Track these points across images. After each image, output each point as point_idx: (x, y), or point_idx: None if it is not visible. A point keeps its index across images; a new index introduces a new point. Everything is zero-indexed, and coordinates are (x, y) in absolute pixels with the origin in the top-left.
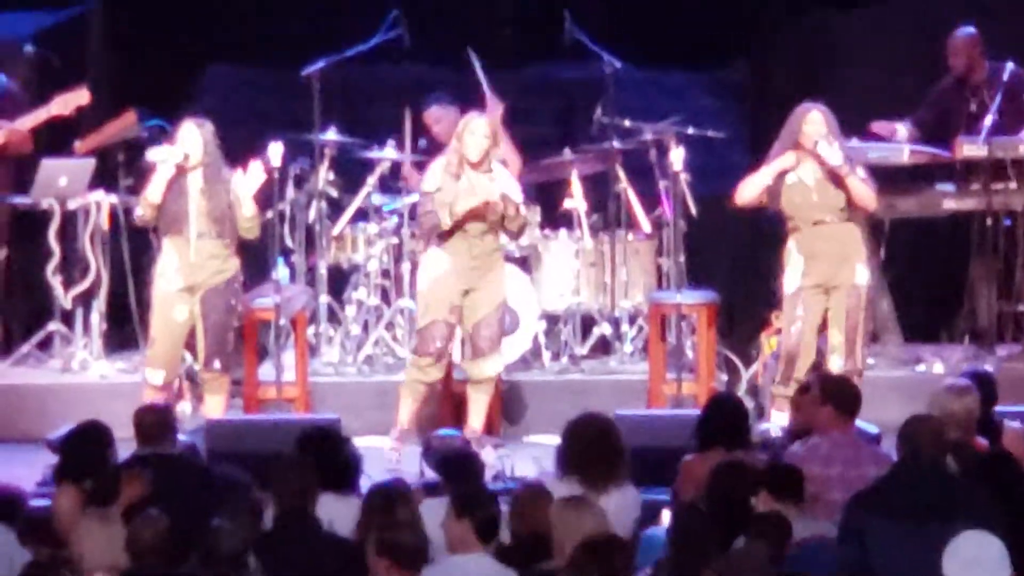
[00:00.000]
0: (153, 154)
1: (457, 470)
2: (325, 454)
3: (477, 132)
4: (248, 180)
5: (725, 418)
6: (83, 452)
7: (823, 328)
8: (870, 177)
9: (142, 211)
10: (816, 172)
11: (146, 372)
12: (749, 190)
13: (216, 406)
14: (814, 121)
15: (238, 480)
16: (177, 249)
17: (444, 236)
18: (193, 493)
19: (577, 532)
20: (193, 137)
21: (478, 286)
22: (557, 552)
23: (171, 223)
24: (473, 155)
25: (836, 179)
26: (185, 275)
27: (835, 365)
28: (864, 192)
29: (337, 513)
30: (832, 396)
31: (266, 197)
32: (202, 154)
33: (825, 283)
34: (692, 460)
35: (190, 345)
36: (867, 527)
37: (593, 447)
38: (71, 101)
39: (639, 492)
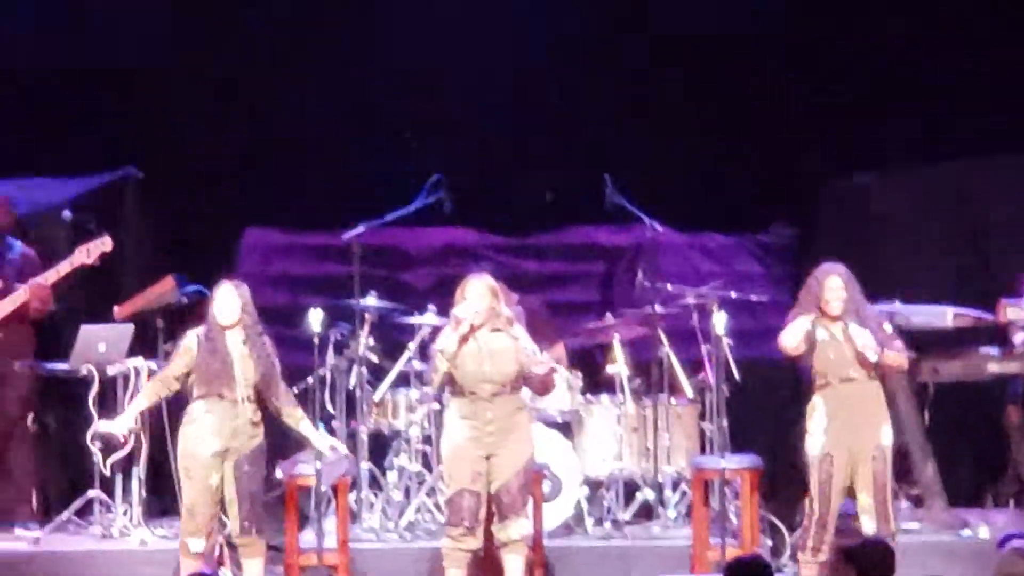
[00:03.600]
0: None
1: None
2: None
3: (472, 293)
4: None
5: None
6: None
7: (850, 491)
8: (895, 333)
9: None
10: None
11: (187, 540)
12: (793, 334)
13: (256, 570)
14: (834, 287)
15: None
16: (215, 412)
17: (457, 399)
18: None
19: None
20: (231, 299)
21: (499, 451)
22: None
23: (209, 385)
24: (475, 319)
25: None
26: (223, 439)
27: (867, 527)
28: (895, 361)
29: None
30: (859, 562)
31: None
32: (240, 314)
33: (851, 444)
34: None
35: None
36: None
37: None
38: (94, 250)
39: None
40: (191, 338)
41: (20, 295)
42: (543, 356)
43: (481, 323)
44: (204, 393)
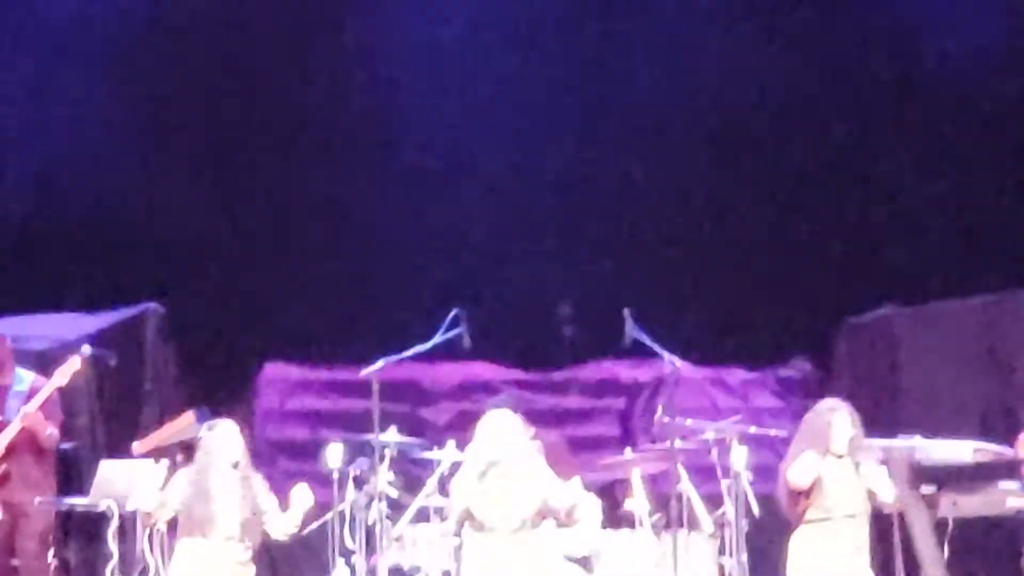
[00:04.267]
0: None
1: None
2: None
3: (493, 429)
4: (302, 499)
5: None
6: None
7: None
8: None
9: (156, 513)
10: (852, 467)
11: None
12: (806, 472)
13: None
14: (843, 424)
15: None
16: (199, 551)
17: (477, 534)
18: None
19: None
20: (231, 438)
21: None
22: None
23: (193, 525)
24: (496, 454)
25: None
26: None
27: None
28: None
29: None
30: None
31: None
32: (236, 457)
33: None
34: None
35: None
36: None
37: None
38: (66, 371)
39: None
40: (179, 477)
41: (14, 426)
42: (566, 489)
43: (499, 460)
44: (188, 532)
